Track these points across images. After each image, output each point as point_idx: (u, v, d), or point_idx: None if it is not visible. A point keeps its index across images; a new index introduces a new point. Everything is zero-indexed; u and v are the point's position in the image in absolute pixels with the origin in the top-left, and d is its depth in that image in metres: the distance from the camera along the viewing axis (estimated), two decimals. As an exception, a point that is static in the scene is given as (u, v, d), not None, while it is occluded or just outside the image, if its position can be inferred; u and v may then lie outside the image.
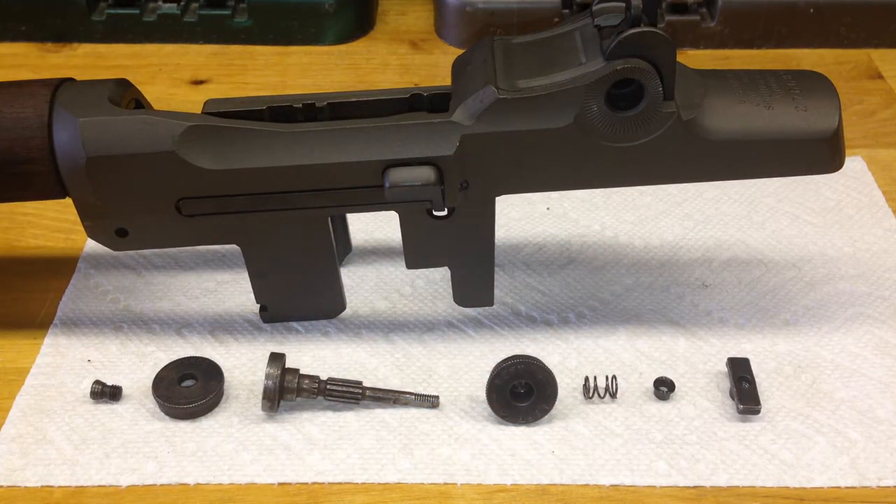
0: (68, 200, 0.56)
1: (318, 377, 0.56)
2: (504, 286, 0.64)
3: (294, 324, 0.62)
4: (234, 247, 0.66)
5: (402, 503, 0.52)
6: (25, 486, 0.52)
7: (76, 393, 0.57)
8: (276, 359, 0.55)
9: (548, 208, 0.71)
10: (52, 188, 0.55)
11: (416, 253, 0.58)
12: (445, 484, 0.52)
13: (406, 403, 0.56)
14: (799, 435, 0.54)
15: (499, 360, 0.55)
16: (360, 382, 0.56)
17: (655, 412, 0.56)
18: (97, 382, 0.57)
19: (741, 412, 0.55)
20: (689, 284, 0.65)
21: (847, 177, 0.74)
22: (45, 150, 0.53)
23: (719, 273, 0.66)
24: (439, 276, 0.65)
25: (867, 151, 0.77)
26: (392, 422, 0.56)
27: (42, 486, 0.52)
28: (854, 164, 0.75)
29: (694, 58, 0.90)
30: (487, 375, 0.55)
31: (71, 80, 0.56)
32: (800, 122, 0.53)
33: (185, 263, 0.67)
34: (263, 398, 0.54)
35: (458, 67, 0.56)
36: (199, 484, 0.53)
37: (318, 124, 0.55)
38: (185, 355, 0.59)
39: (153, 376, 0.57)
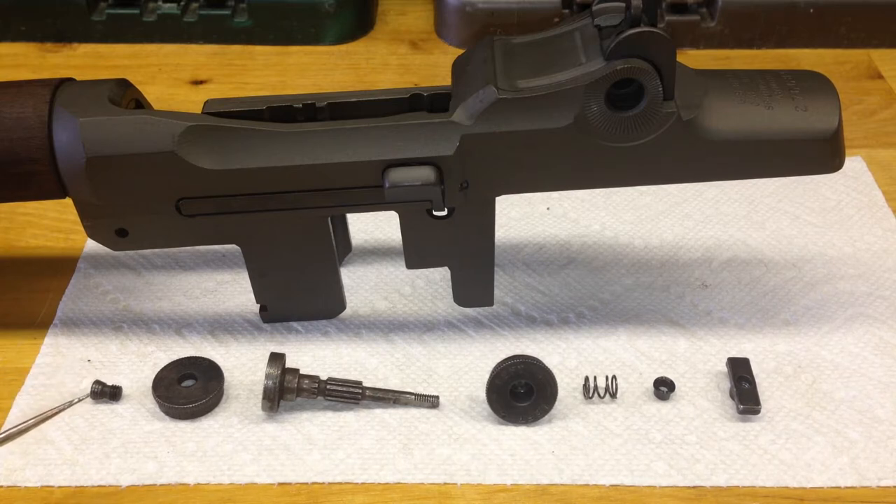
0: (68, 200, 0.56)
1: (318, 377, 0.56)
2: (504, 286, 0.64)
3: (294, 324, 0.62)
4: (234, 247, 0.66)
5: (401, 503, 0.52)
6: (25, 486, 0.52)
7: (76, 393, 0.57)
8: (276, 359, 0.55)
9: (548, 208, 0.71)
10: (52, 188, 0.55)
11: (416, 253, 0.58)
12: (445, 484, 0.52)
13: (406, 403, 0.56)
14: (798, 435, 0.54)
15: (499, 360, 0.55)
16: (360, 382, 0.56)
17: (655, 412, 0.56)
18: (97, 382, 0.57)
19: (741, 412, 0.55)
20: (689, 284, 0.65)
21: (847, 177, 0.74)
22: (45, 150, 0.53)
23: (719, 273, 0.65)
24: (439, 276, 0.65)
25: (867, 151, 0.77)
26: (392, 422, 0.56)
27: (42, 486, 0.52)
28: (854, 164, 0.75)
29: (694, 58, 0.90)
30: (487, 375, 0.55)
31: (71, 80, 0.56)
32: (800, 123, 0.53)
33: (185, 263, 0.67)
34: (263, 398, 0.54)
35: (458, 67, 0.56)
36: (199, 484, 0.53)
37: (318, 124, 0.55)
38: (185, 355, 0.59)
39: (153, 376, 0.57)
